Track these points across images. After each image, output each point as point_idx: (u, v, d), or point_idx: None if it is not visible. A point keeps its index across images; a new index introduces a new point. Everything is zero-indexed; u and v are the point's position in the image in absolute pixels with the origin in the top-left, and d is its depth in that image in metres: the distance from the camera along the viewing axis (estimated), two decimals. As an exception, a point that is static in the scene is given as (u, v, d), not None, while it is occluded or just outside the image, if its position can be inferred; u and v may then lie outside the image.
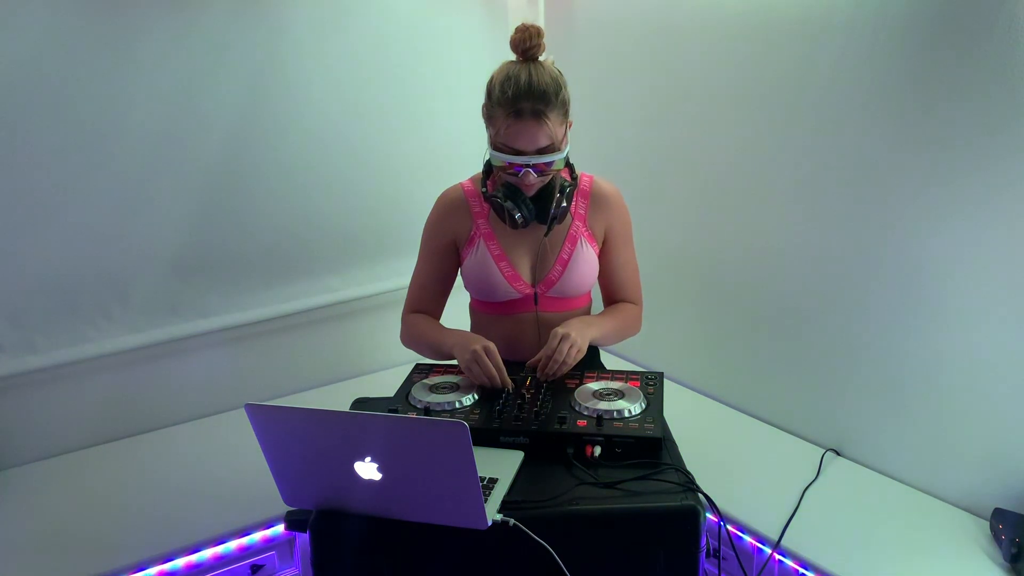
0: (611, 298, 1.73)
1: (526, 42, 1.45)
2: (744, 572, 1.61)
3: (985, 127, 1.51)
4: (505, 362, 1.49)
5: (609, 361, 2.41)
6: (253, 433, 1.16)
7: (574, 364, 1.50)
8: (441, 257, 1.66)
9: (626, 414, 1.38)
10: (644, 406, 1.41)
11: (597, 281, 1.70)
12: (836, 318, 1.85)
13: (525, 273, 1.62)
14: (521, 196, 1.53)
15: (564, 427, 1.35)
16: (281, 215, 2.20)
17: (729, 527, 1.65)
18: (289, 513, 1.37)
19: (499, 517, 1.17)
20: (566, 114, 1.49)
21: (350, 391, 2.02)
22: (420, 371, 1.59)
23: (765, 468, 1.85)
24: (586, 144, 2.03)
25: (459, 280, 1.71)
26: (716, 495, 1.32)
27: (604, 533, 1.22)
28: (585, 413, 1.39)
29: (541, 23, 2.42)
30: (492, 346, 1.48)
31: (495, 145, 1.49)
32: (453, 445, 1.07)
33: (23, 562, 1.59)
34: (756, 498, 1.70)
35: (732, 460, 1.87)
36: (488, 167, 1.59)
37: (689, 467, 1.33)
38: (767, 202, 1.97)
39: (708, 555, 1.65)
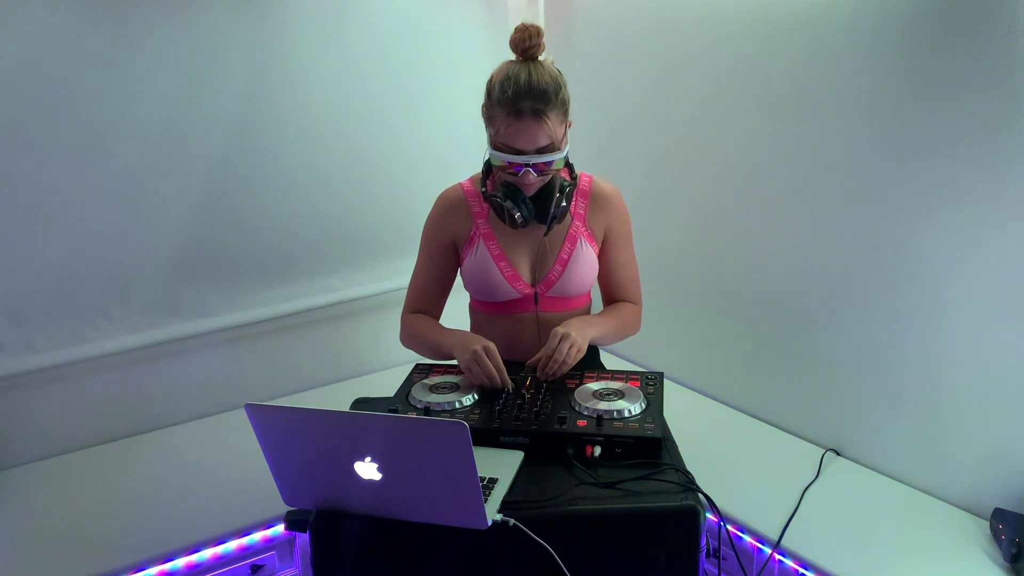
0: (611, 298, 1.73)
1: (526, 42, 1.46)
2: (744, 572, 1.61)
3: (986, 127, 1.51)
4: (505, 362, 1.49)
5: (609, 361, 2.41)
6: (253, 433, 1.16)
7: (574, 364, 1.50)
8: (441, 257, 1.66)
9: (626, 414, 1.38)
10: (644, 406, 1.41)
11: (597, 281, 1.70)
12: (836, 318, 1.85)
13: (525, 273, 1.62)
14: (521, 196, 1.53)
15: (564, 427, 1.35)
16: (281, 215, 2.20)
17: (729, 527, 1.65)
18: (289, 513, 1.37)
19: (499, 517, 1.17)
20: (566, 113, 1.49)
21: (350, 391, 2.02)
22: (420, 371, 1.59)
23: (765, 468, 1.85)
24: (586, 144, 2.03)
25: (459, 280, 1.71)
26: (716, 495, 1.32)
27: (604, 533, 1.22)
28: (585, 413, 1.39)
29: (541, 23, 2.41)
30: (492, 346, 1.48)
31: (495, 144, 1.49)
32: (453, 445, 1.07)
33: (23, 562, 1.59)
34: (756, 498, 1.70)
35: (732, 460, 1.87)
36: (488, 167, 1.59)
37: (689, 467, 1.33)
38: (767, 202, 1.97)
39: (708, 555, 1.65)
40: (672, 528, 1.22)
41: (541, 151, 1.47)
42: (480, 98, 1.51)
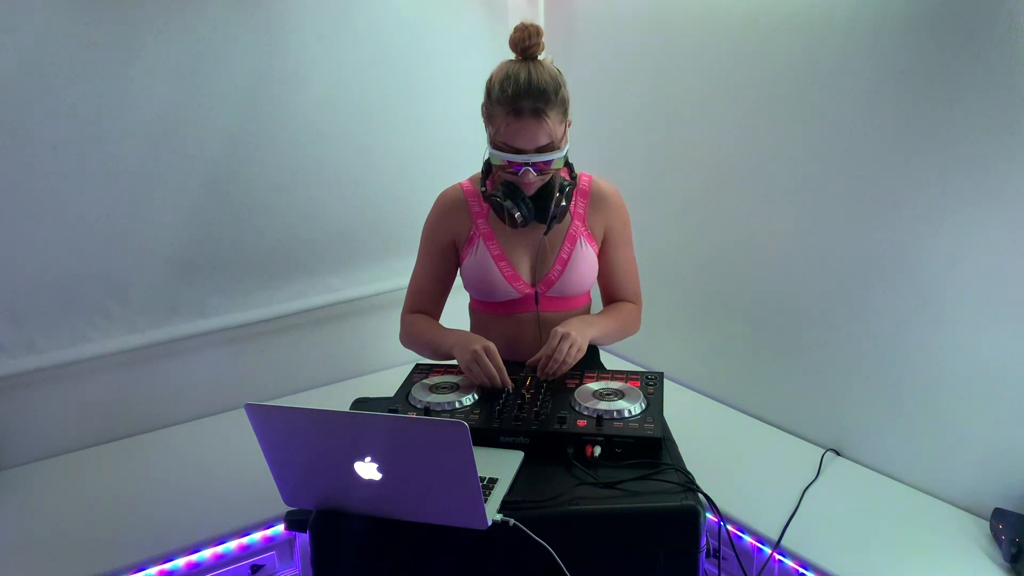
0: (610, 297, 1.73)
1: (525, 41, 1.46)
2: (744, 572, 1.61)
3: (986, 127, 1.51)
4: (505, 362, 1.49)
5: (609, 361, 2.41)
6: (253, 433, 1.16)
7: (574, 363, 1.50)
8: (440, 257, 1.66)
9: (626, 414, 1.38)
10: (644, 406, 1.41)
11: (596, 281, 1.70)
12: (836, 318, 1.85)
13: (525, 273, 1.62)
14: (520, 195, 1.53)
15: (564, 427, 1.35)
16: (281, 215, 2.20)
17: (729, 527, 1.65)
18: (289, 513, 1.37)
19: (499, 517, 1.17)
20: (565, 113, 1.49)
21: (350, 391, 2.02)
22: (420, 371, 1.59)
23: (765, 468, 1.84)
24: (585, 143, 2.03)
25: (459, 280, 1.71)
26: (716, 495, 1.32)
27: (604, 533, 1.22)
28: (585, 413, 1.39)
29: (541, 22, 2.42)
30: (492, 346, 1.48)
31: (494, 144, 1.49)
32: (453, 445, 1.07)
33: (23, 562, 1.59)
34: (756, 498, 1.70)
35: (732, 460, 1.87)
36: (487, 166, 1.59)
37: (689, 467, 1.32)
38: (767, 202, 1.97)
39: (708, 555, 1.65)
40: (672, 528, 1.22)
41: (541, 150, 1.47)
42: (480, 97, 1.51)
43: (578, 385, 1.50)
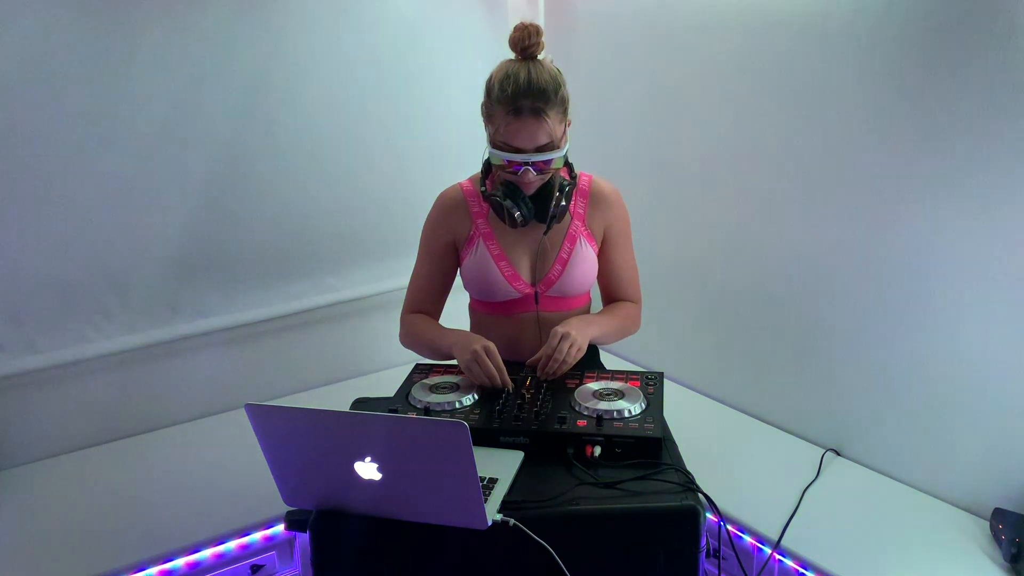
0: (610, 297, 1.73)
1: (525, 40, 1.46)
2: (744, 572, 1.61)
3: (986, 127, 1.51)
4: (505, 362, 1.49)
5: (609, 361, 2.41)
6: (253, 433, 1.16)
7: (574, 363, 1.50)
8: (440, 257, 1.66)
9: (626, 414, 1.38)
10: (644, 406, 1.41)
11: (596, 280, 1.70)
12: (837, 318, 1.85)
13: (525, 273, 1.62)
14: (520, 195, 1.53)
15: (564, 427, 1.35)
16: (281, 215, 2.20)
17: (729, 527, 1.65)
18: (289, 513, 1.37)
19: (499, 517, 1.17)
20: (565, 112, 1.49)
21: (350, 391, 2.02)
22: (420, 371, 1.59)
23: (765, 468, 1.84)
24: (585, 143, 2.02)
25: (459, 280, 1.71)
26: (716, 495, 1.32)
27: (604, 533, 1.22)
28: (585, 413, 1.39)
29: (540, 22, 2.41)
30: (492, 346, 1.48)
31: (494, 143, 1.49)
32: (453, 445, 1.07)
33: (23, 562, 1.59)
34: (756, 498, 1.70)
35: (732, 460, 1.87)
36: (487, 166, 1.59)
37: (689, 467, 1.32)
38: (767, 202, 1.97)
39: (708, 555, 1.65)
40: (672, 528, 1.22)
41: (540, 149, 1.47)
42: (480, 97, 1.51)
43: (578, 385, 1.50)
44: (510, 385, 1.48)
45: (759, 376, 2.08)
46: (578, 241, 1.62)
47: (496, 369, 1.46)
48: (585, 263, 1.62)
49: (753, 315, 2.07)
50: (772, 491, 1.73)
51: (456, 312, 1.77)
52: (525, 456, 1.34)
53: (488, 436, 1.37)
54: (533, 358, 1.52)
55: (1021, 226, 1.49)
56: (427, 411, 1.42)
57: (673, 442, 1.43)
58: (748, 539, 1.65)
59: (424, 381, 1.53)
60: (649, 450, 1.32)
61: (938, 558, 1.51)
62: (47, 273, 1.91)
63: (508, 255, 1.61)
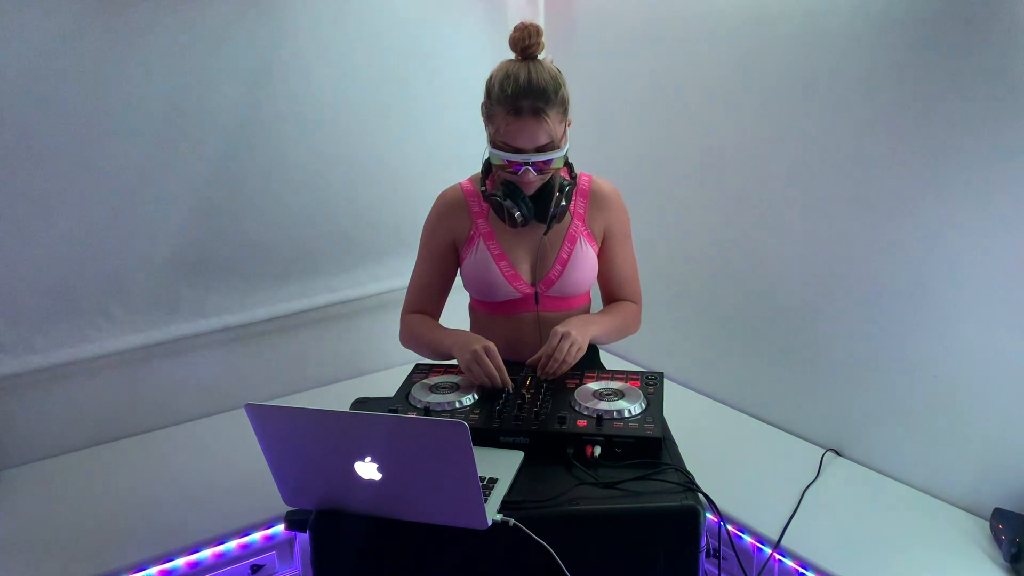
0: (610, 297, 1.73)
1: (525, 40, 1.46)
2: (744, 572, 1.61)
3: (986, 128, 1.51)
4: (505, 362, 1.49)
5: (609, 361, 2.41)
6: (253, 433, 1.16)
7: (574, 363, 1.50)
8: (440, 257, 1.66)
9: (626, 414, 1.38)
10: (644, 406, 1.41)
11: (596, 280, 1.70)
12: (836, 318, 1.85)
13: (525, 273, 1.62)
14: (520, 194, 1.53)
15: (564, 427, 1.35)
16: (281, 215, 2.20)
17: (729, 527, 1.65)
18: (289, 513, 1.37)
19: (499, 517, 1.16)
20: (565, 112, 1.49)
21: (350, 391, 2.01)
22: (420, 371, 1.59)
23: (765, 468, 1.85)
24: (585, 143, 2.03)
25: (459, 280, 1.71)
26: (716, 495, 1.32)
27: (604, 533, 1.22)
28: (585, 413, 1.39)
29: (541, 22, 2.41)
30: (492, 346, 1.48)
31: (494, 143, 1.49)
32: (453, 445, 1.07)
33: (23, 562, 1.59)
34: (756, 498, 1.70)
35: (732, 460, 1.87)
36: (487, 166, 1.59)
37: (689, 467, 1.32)
38: (767, 202, 1.97)
39: (708, 555, 1.65)
40: (672, 528, 1.22)
41: (541, 149, 1.47)
42: (480, 97, 1.51)
43: (578, 385, 1.49)
44: (510, 385, 1.48)
45: (759, 376, 2.08)
46: (578, 241, 1.62)
47: (496, 369, 1.46)
48: (585, 263, 1.62)
49: (753, 315, 2.07)
50: (772, 491, 1.73)
51: (456, 312, 1.77)
52: (525, 456, 1.34)
53: (488, 436, 1.36)
54: (533, 357, 1.52)
55: (1021, 226, 1.49)
56: (427, 411, 1.42)
57: (673, 442, 1.43)
58: (748, 539, 1.65)
59: (424, 381, 1.53)
60: (649, 450, 1.32)
61: (938, 558, 1.51)
62: (47, 273, 1.91)
63: (508, 255, 1.61)
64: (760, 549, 1.63)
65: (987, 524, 1.57)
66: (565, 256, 1.61)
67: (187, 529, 1.67)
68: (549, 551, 1.15)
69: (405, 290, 1.71)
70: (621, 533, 1.22)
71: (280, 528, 1.72)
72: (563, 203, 1.55)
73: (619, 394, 1.44)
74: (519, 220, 1.53)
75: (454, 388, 1.50)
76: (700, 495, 1.25)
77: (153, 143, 1.97)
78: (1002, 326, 1.55)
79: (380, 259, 2.39)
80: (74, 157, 1.88)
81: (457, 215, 1.63)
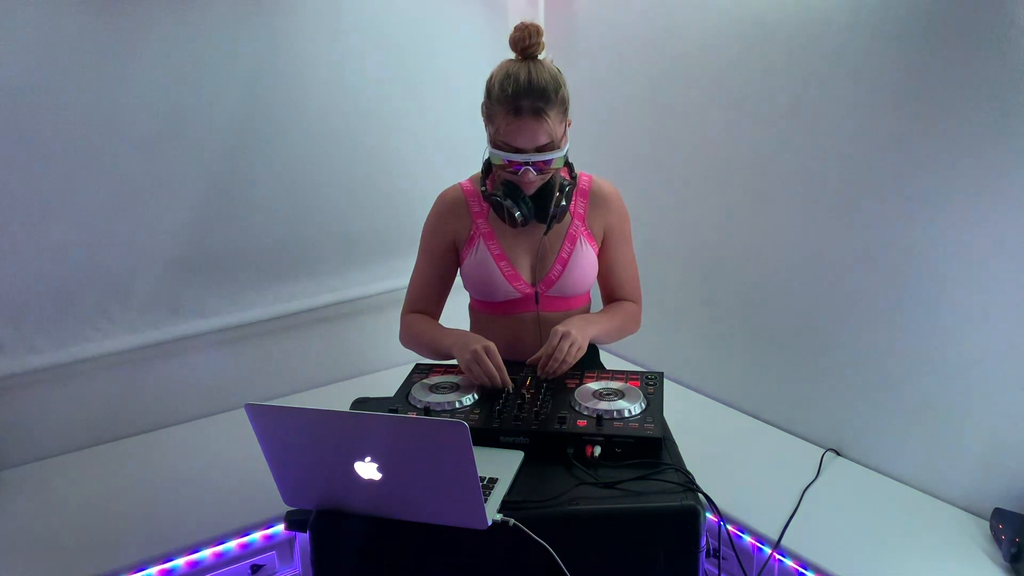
0: (610, 297, 1.73)
1: (525, 40, 1.46)
2: (744, 572, 1.61)
3: (986, 127, 1.51)
4: (505, 362, 1.49)
5: (609, 361, 2.41)
6: (253, 433, 1.16)
7: (574, 362, 1.50)
8: (440, 257, 1.66)
9: (626, 414, 1.38)
10: (644, 406, 1.41)
11: (596, 280, 1.70)
12: (836, 318, 1.85)
13: (525, 273, 1.62)
14: (520, 194, 1.53)
15: (564, 427, 1.35)
16: (281, 215, 2.21)
17: (729, 527, 1.65)
18: (289, 513, 1.37)
19: (499, 517, 1.16)
20: (565, 112, 1.49)
21: (350, 391, 2.02)
22: (420, 371, 1.59)
23: (765, 468, 1.85)
24: (585, 143, 2.03)
25: (459, 280, 1.71)
26: (716, 495, 1.32)
27: (604, 533, 1.22)
28: (585, 413, 1.39)
29: (541, 22, 2.41)
30: (492, 346, 1.48)
31: (495, 143, 1.49)
32: (453, 445, 1.07)
33: (23, 562, 1.59)
34: (756, 498, 1.70)
35: (732, 460, 1.87)
36: (487, 166, 1.59)
37: (689, 467, 1.32)
38: (767, 202, 1.97)
39: (708, 555, 1.65)
40: (672, 528, 1.22)
41: (541, 149, 1.47)
42: (480, 97, 1.51)
43: (578, 385, 1.49)
44: (510, 385, 1.48)
45: (759, 376, 2.08)
46: (578, 241, 1.62)
47: (496, 369, 1.46)
48: (585, 263, 1.62)
49: (753, 315, 2.07)
50: (772, 491, 1.73)
51: (456, 312, 1.77)
52: (525, 456, 1.34)
53: (488, 436, 1.36)
54: (533, 357, 1.52)
55: (1021, 226, 1.49)
56: (427, 411, 1.42)
57: (673, 442, 1.43)
58: (748, 539, 1.65)
59: (424, 381, 1.53)
60: (649, 450, 1.32)
61: (938, 558, 1.51)
62: (47, 273, 1.91)
63: (508, 255, 1.61)
64: (760, 549, 1.63)
65: (987, 524, 1.57)
66: (565, 256, 1.61)
67: (187, 529, 1.67)
68: (549, 551, 1.15)
69: (405, 290, 1.71)
70: (621, 533, 1.22)
71: (280, 528, 1.72)
72: (563, 203, 1.55)
73: (619, 394, 1.44)
74: (519, 220, 1.53)
75: (454, 388, 1.50)
76: (700, 495, 1.25)
77: (153, 143, 1.97)
78: (1002, 326, 1.55)
79: (380, 259, 2.39)
80: (74, 157, 1.88)
81: (457, 215, 1.63)
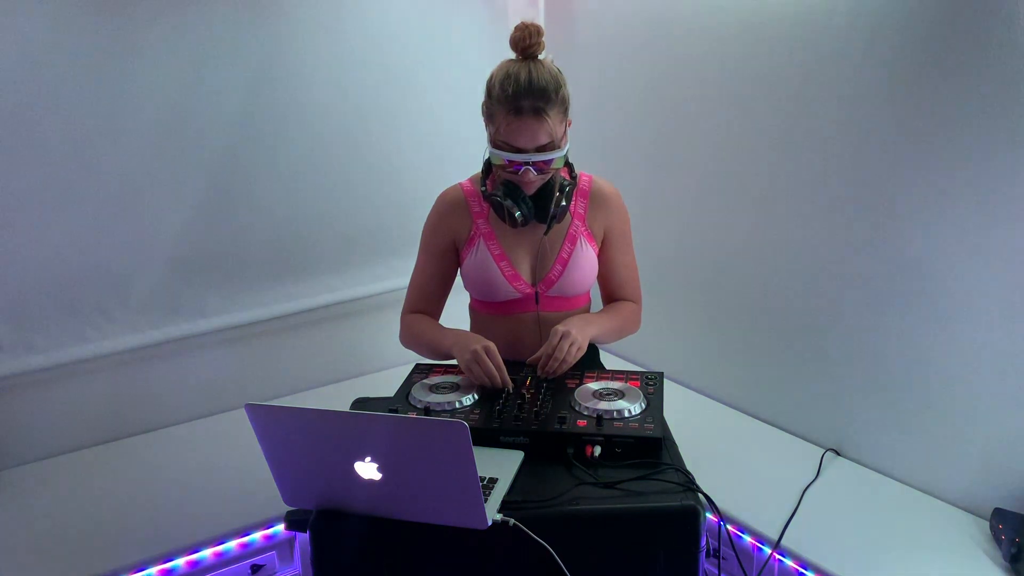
0: (611, 297, 1.73)
1: (526, 40, 1.46)
2: (744, 572, 1.61)
3: (987, 127, 1.51)
4: (505, 362, 1.49)
5: (609, 361, 2.41)
6: (253, 433, 1.16)
7: (574, 362, 1.50)
8: (440, 257, 1.66)
9: (626, 414, 1.38)
10: (644, 406, 1.41)
11: (596, 280, 1.70)
12: (836, 318, 1.85)
13: (525, 273, 1.62)
14: (520, 194, 1.53)
15: (564, 427, 1.35)
16: (281, 215, 2.21)
17: (729, 527, 1.65)
18: (289, 513, 1.37)
19: (499, 517, 1.17)
20: (566, 112, 1.49)
21: (350, 391, 2.02)
22: (420, 371, 1.59)
23: (765, 468, 1.84)
24: (586, 143, 2.03)
25: (459, 280, 1.71)
26: (716, 495, 1.32)
27: (604, 533, 1.22)
28: (585, 413, 1.39)
29: (541, 22, 2.41)
30: (492, 346, 1.48)
31: (495, 143, 1.49)
32: (453, 445, 1.07)
33: (23, 562, 1.59)
34: (756, 498, 1.70)
35: (732, 460, 1.87)
36: (487, 166, 1.59)
37: (689, 467, 1.32)
38: (767, 202, 1.97)
39: (708, 555, 1.65)
40: (672, 528, 1.22)
41: (541, 149, 1.47)
42: (480, 97, 1.51)
43: (578, 385, 1.49)
44: (510, 385, 1.48)
45: (759, 376, 2.08)
46: (578, 241, 1.62)
47: (496, 369, 1.46)
48: (585, 263, 1.62)
49: (753, 315, 2.07)
50: (772, 491, 1.73)
51: (456, 312, 1.77)
52: (525, 456, 1.34)
53: (488, 436, 1.37)
54: (533, 357, 1.52)
55: (1021, 226, 1.49)
56: (427, 411, 1.42)
57: (673, 442, 1.43)
58: (748, 539, 1.65)
59: (424, 381, 1.53)
60: (649, 450, 1.32)
61: (938, 558, 1.51)
62: (47, 273, 1.91)
63: (508, 255, 1.61)
64: (760, 549, 1.63)
65: (987, 524, 1.57)
66: (565, 256, 1.61)
67: (187, 529, 1.67)
68: (549, 551, 1.15)
69: (405, 290, 1.71)
70: (621, 533, 1.22)
71: (280, 528, 1.72)
72: (563, 203, 1.55)
73: (619, 394, 1.44)
74: (519, 220, 1.53)
75: (454, 388, 1.50)
76: (700, 495, 1.25)
77: (153, 143, 1.97)
78: (1002, 326, 1.55)
79: (380, 259, 2.39)
80: (74, 157, 1.88)
81: (457, 215, 1.63)
